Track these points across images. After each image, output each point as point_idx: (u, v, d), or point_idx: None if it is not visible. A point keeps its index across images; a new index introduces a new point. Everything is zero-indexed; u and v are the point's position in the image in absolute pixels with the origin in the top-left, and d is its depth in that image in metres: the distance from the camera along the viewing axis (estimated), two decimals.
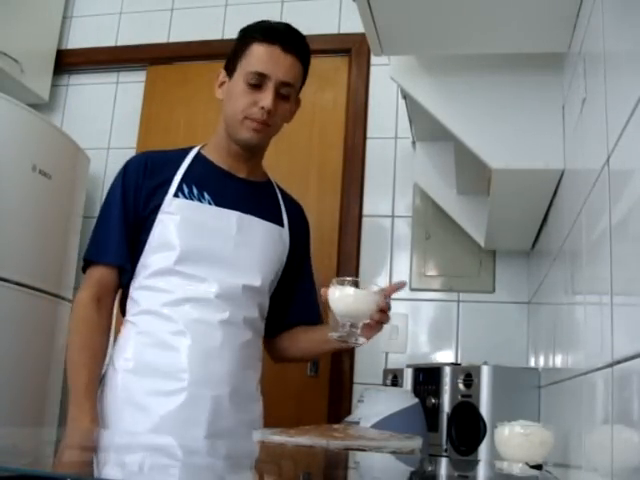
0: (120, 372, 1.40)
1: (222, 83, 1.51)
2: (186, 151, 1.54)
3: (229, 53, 1.52)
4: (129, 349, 1.41)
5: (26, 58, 2.60)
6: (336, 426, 1.28)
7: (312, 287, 1.65)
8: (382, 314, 1.32)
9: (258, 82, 1.43)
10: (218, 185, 1.49)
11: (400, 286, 1.40)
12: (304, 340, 1.58)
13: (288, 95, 1.47)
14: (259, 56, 1.43)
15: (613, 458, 0.87)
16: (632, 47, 0.83)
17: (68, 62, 2.85)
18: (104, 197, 1.51)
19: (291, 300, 1.61)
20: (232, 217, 1.47)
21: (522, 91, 1.46)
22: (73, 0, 2.94)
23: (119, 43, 2.83)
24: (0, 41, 2.47)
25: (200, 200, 1.46)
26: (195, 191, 1.46)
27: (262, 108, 1.43)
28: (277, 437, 1.13)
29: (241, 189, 1.52)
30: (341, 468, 1.00)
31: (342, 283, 1.26)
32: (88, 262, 1.47)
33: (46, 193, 2.27)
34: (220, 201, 1.47)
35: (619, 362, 0.84)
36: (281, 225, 1.56)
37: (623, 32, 0.88)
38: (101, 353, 1.42)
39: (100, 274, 1.45)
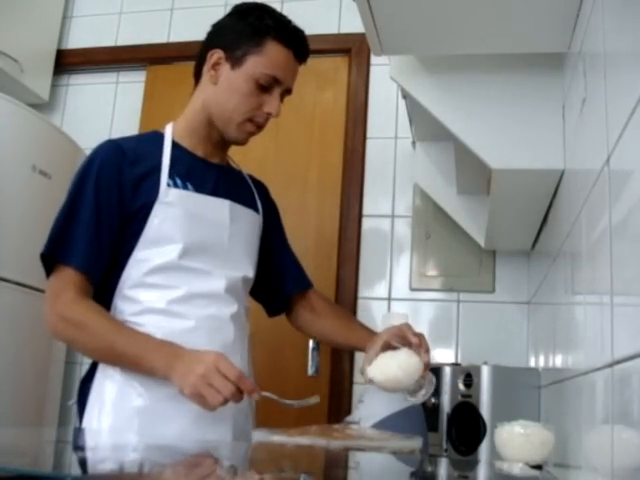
0: (130, 379, 1.28)
1: (217, 64, 1.38)
2: (156, 136, 1.43)
3: (231, 31, 1.39)
4: None
5: (26, 58, 2.60)
6: (336, 426, 1.28)
7: (295, 256, 1.63)
8: (427, 364, 1.33)
9: (268, 85, 1.36)
10: (197, 173, 1.40)
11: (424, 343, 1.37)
12: (337, 334, 1.55)
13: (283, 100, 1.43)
14: (276, 59, 1.36)
15: (613, 458, 0.87)
16: (632, 47, 0.83)
17: (68, 62, 2.85)
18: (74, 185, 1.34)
19: (279, 273, 1.58)
20: (225, 207, 1.41)
21: (522, 91, 1.46)
22: (73, 0, 2.94)
23: (119, 43, 2.83)
24: (0, 41, 2.47)
25: (187, 189, 1.37)
26: (179, 181, 1.37)
27: (269, 114, 1.38)
28: (277, 437, 1.13)
29: (219, 176, 1.44)
30: (341, 468, 1.00)
31: (369, 362, 1.30)
32: (52, 260, 1.31)
33: (46, 193, 2.27)
34: (202, 190, 1.39)
35: (619, 362, 0.84)
36: (257, 212, 1.51)
37: (623, 32, 0.88)
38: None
39: (78, 278, 1.29)
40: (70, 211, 1.32)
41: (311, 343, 2.35)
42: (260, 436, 1.15)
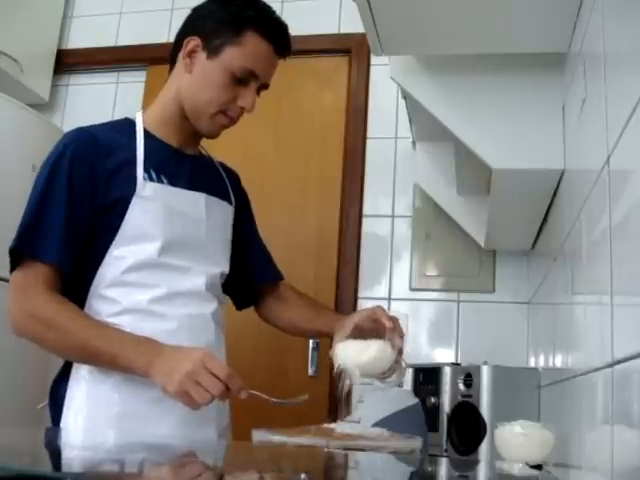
0: (108, 384, 1.24)
1: (193, 52, 1.32)
2: (128, 125, 1.36)
3: (211, 19, 1.32)
4: None
5: (26, 58, 2.60)
6: (335, 425, 1.28)
7: (264, 246, 1.58)
8: (401, 349, 1.28)
9: (245, 78, 1.30)
10: (172, 166, 1.34)
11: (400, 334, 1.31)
12: (305, 321, 1.52)
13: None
14: (256, 52, 1.30)
15: (613, 458, 0.87)
16: (632, 47, 0.83)
17: (68, 62, 2.85)
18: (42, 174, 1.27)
19: (250, 264, 1.53)
20: (201, 200, 1.36)
21: (522, 91, 1.46)
22: (73, 0, 2.95)
23: (119, 43, 2.83)
24: (0, 41, 2.47)
25: (162, 183, 1.31)
26: (154, 174, 1.30)
27: (242, 108, 1.32)
28: (277, 437, 1.12)
29: (193, 168, 1.38)
30: (341, 468, 1.00)
31: (338, 341, 1.26)
32: (19, 253, 1.24)
33: None
34: (177, 183, 1.33)
35: (619, 362, 0.84)
36: (230, 203, 1.46)
37: (623, 32, 0.88)
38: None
39: (48, 273, 1.23)
40: (41, 203, 1.25)
41: (311, 343, 2.35)
42: (260, 436, 1.14)
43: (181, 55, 1.34)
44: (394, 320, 1.30)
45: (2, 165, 2.16)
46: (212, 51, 1.30)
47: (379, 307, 1.33)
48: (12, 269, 1.25)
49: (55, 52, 2.83)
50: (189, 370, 1.13)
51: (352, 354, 1.24)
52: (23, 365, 2.19)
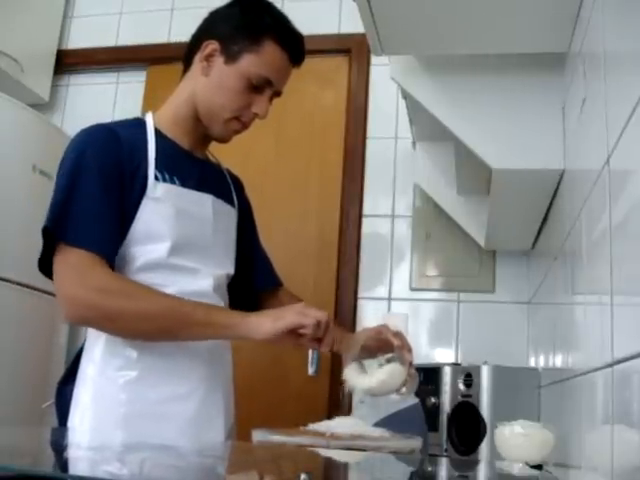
0: (115, 385, 1.23)
1: (210, 56, 1.32)
2: (140, 125, 1.35)
3: (230, 24, 1.33)
4: (128, 355, 1.25)
5: (26, 58, 2.60)
6: (335, 425, 1.28)
7: (265, 253, 1.59)
8: (411, 362, 1.30)
9: (260, 85, 1.32)
10: (183, 167, 1.34)
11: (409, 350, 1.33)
12: None
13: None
14: (272, 61, 1.32)
15: (613, 458, 0.87)
16: (632, 47, 0.83)
17: (68, 62, 2.85)
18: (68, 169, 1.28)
19: (251, 269, 1.53)
20: (208, 202, 1.36)
21: (522, 91, 1.46)
22: (73, 0, 2.95)
23: (119, 43, 2.83)
24: (0, 41, 2.47)
25: (174, 184, 1.30)
26: (166, 174, 1.30)
27: (255, 114, 1.34)
28: (277, 437, 1.13)
29: (202, 170, 1.39)
30: (341, 468, 1.00)
31: (355, 367, 1.29)
32: (55, 240, 1.20)
33: (46, 193, 2.25)
34: (187, 184, 1.33)
35: (619, 362, 0.84)
36: (234, 206, 1.47)
37: (623, 32, 0.88)
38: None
39: (103, 261, 1.20)
40: (68, 194, 1.24)
41: None
42: (260, 436, 1.14)
43: (198, 57, 1.34)
44: (400, 336, 1.32)
45: (2, 165, 2.16)
46: (230, 57, 1.31)
47: (383, 326, 1.35)
48: (46, 253, 1.22)
49: (55, 52, 2.83)
50: (296, 309, 1.21)
51: (365, 378, 1.27)
52: (23, 365, 2.19)
